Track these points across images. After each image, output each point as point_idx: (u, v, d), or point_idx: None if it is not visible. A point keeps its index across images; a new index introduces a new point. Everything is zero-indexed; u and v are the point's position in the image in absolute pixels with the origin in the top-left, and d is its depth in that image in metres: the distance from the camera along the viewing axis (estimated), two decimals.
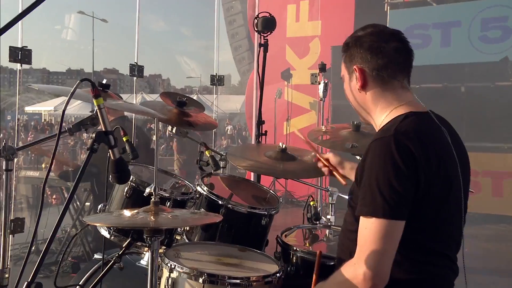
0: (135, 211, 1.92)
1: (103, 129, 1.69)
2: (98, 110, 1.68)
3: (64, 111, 1.58)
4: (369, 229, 1.57)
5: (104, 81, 2.16)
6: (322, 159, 2.47)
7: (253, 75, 11.31)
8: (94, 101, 1.66)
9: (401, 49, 1.80)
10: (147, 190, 2.34)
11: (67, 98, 1.63)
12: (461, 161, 1.75)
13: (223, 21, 17.31)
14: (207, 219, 2.16)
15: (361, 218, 1.62)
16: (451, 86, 8.91)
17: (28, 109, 30.36)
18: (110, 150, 1.70)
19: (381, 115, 1.81)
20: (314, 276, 1.99)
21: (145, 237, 1.90)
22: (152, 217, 1.89)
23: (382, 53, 1.77)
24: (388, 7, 9.60)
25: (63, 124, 1.76)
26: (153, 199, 1.94)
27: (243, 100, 16.25)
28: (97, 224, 1.80)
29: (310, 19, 10.36)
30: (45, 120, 28.23)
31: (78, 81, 1.64)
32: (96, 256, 2.85)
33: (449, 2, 9.57)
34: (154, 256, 1.90)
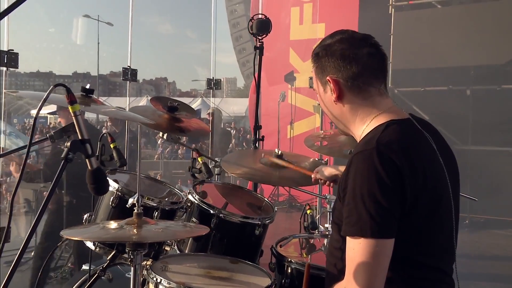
0: (116, 224, 1.82)
1: (79, 137, 1.59)
2: (74, 118, 1.58)
3: (36, 118, 1.48)
4: (357, 250, 1.46)
5: (88, 86, 2.06)
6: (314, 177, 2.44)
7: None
8: (70, 107, 1.56)
9: (374, 54, 1.68)
10: (130, 200, 2.23)
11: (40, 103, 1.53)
12: (448, 167, 1.65)
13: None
14: (193, 232, 2.06)
15: (348, 239, 1.51)
16: (456, 89, 8.78)
17: (34, 112, 30.42)
18: (87, 160, 1.60)
19: (361, 125, 1.70)
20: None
21: (127, 251, 1.79)
22: (135, 230, 1.79)
23: (355, 60, 1.65)
24: (393, 9, 9.47)
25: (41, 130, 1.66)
26: (136, 210, 1.84)
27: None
28: (74, 238, 1.70)
29: (313, 22, 10.26)
30: (50, 123, 28.27)
31: (52, 86, 1.54)
32: (84, 267, 2.75)
33: (454, 4, 9.44)
34: (137, 271, 1.79)
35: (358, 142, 1.71)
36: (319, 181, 2.54)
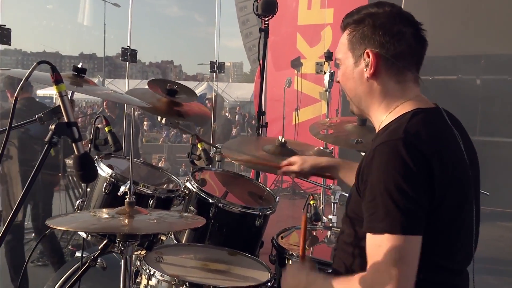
0: (106, 213, 1.70)
1: (65, 120, 1.47)
2: (59, 98, 1.46)
3: (16, 98, 1.36)
4: (384, 247, 1.30)
5: (80, 65, 1.93)
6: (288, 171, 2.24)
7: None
8: (55, 87, 1.44)
9: (420, 37, 1.55)
10: (122, 188, 2.11)
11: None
12: (471, 163, 1.51)
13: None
14: (188, 223, 1.94)
15: (371, 236, 1.36)
16: (466, 78, 8.60)
17: (40, 92, 30.36)
18: (73, 144, 1.48)
19: (385, 111, 1.56)
20: (301, 241, 1.69)
21: (117, 242, 1.68)
22: (126, 220, 1.68)
23: (402, 39, 1.50)
24: None
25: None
26: (127, 199, 1.72)
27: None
28: (60, 228, 1.60)
29: (322, 7, 10.06)
30: (55, 103, 28.21)
31: (35, 63, 1.42)
32: (77, 254, 2.65)
33: None
34: (127, 264, 1.68)
35: (378, 129, 1.57)
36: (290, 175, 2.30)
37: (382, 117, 1.57)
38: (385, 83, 1.54)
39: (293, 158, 2.25)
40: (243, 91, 23.09)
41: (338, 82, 1.69)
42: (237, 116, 21.08)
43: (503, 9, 8.25)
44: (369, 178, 1.38)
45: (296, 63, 9.93)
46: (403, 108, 1.52)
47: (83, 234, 2.24)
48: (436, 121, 1.49)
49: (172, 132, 18.92)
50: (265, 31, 3.07)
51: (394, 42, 1.50)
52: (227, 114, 18.67)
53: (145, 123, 20.68)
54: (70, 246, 5.69)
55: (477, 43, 8.23)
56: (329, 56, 5.08)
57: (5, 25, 2.95)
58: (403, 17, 1.53)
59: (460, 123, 1.59)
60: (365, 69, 1.53)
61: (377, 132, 1.58)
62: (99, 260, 2.22)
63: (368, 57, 1.52)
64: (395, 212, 1.30)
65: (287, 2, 10.15)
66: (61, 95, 1.46)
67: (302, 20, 10.38)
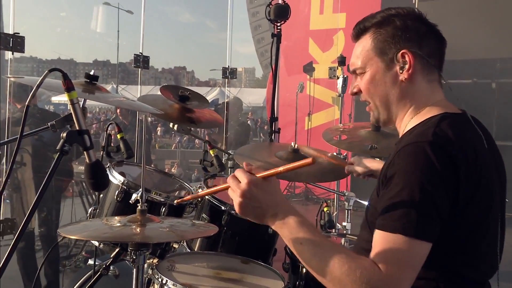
0: (118, 221, 1.69)
1: (77, 128, 1.46)
2: (71, 106, 1.45)
3: (27, 106, 1.35)
4: (396, 246, 1.26)
5: (92, 72, 1.92)
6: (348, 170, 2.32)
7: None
8: (66, 95, 1.43)
9: (441, 37, 1.54)
10: (134, 196, 2.10)
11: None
12: (498, 169, 1.48)
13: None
14: (200, 232, 1.92)
15: (380, 232, 1.31)
16: (481, 82, 8.50)
17: (55, 99, 30.67)
18: (85, 153, 1.47)
19: (412, 114, 1.52)
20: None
21: (129, 251, 1.67)
22: (138, 228, 1.66)
23: (431, 38, 1.49)
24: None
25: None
26: (139, 207, 1.70)
27: None
28: (72, 237, 1.58)
29: (334, 11, 10.04)
30: (69, 110, 28.41)
31: (47, 71, 1.41)
32: (90, 262, 2.64)
33: None
34: (139, 272, 1.66)
35: (402, 133, 1.53)
36: (353, 174, 2.34)
37: (406, 120, 1.54)
38: (419, 83, 1.51)
39: (352, 159, 2.34)
40: (256, 97, 23.11)
41: (355, 94, 1.63)
42: (249, 121, 21.10)
43: None
44: (392, 178, 1.34)
45: (309, 68, 9.90)
46: (429, 112, 1.49)
47: (96, 242, 2.23)
48: (464, 127, 1.45)
49: (185, 138, 18.98)
50: (277, 36, 3.05)
51: (427, 40, 1.49)
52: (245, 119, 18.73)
53: (158, 128, 20.80)
54: (84, 253, 5.71)
55: (492, 47, 8.14)
56: (342, 60, 5.02)
57: (18, 33, 2.97)
58: (422, 18, 1.52)
59: (487, 130, 1.55)
60: (400, 71, 1.49)
61: (400, 136, 1.55)
62: (111, 268, 2.21)
63: (403, 58, 1.48)
64: (413, 215, 1.27)
65: (299, 7, 10.14)
66: (72, 103, 1.45)
67: (314, 25, 10.37)
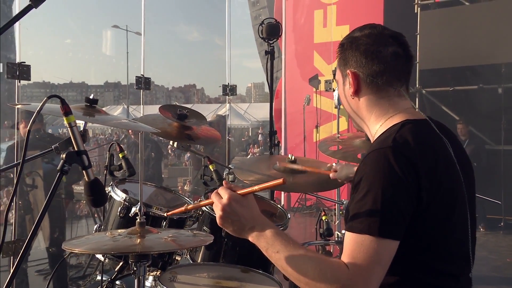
0: (118, 234, 1.79)
1: (75, 149, 1.57)
2: (69, 129, 1.56)
3: (29, 130, 1.47)
4: (365, 246, 1.37)
5: (91, 96, 2.04)
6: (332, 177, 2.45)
7: (281, 83, 11.22)
8: (65, 119, 1.54)
9: (400, 55, 1.63)
10: (133, 210, 2.21)
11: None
12: (464, 171, 1.57)
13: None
14: (197, 241, 2.01)
15: (349, 233, 1.43)
16: (488, 87, 8.52)
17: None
18: (84, 172, 1.58)
19: (376, 123, 1.66)
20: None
21: (130, 262, 1.76)
22: (137, 240, 1.76)
23: (378, 58, 1.61)
24: (419, 9, 9.27)
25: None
26: (138, 219, 1.81)
27: None
28: (75, 251, 1.68)
29: (338, 24, 10.16)
30: (80, 131, 28.72)
31: (45, 98, 1.53)
32: (98, 277, 2.74)
33: (482, 0, 9.17)
34: (140, 284, 1.76)
35: (372, 141, 1.66)
36: (338, 180, 2.49)
37: (373, 130, 1.67)
38: (368, 99, 1.66)
39: (335, 167, 2.51)
40: (265, 111, 23.17)
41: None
42: (260, 136, 21.20)
43: None
44: (360, 183, 1.46)
45: (314, 81, 10.00)
46: (392, 121, 1.60)
47: (101, 257, 2.33)
48: (424, 131, 1.56)
49: (187, 155, 19.04)
50: (270, 53, 3.17)
51: (369, 62, 1.61)
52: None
53: (169, 146, 20.92)
54: (98, 272, 5.80)
55: (496, 52, 8.17)
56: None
57: (24, 62, 3.12)
58: (382, 37, 1.64)
59: (452, 132, 1.67)
60: (349, 88, 1.67)
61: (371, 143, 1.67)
62: (118, 283, 2.31)
63: (349, 76, 1.66)
64: (377, 214, 1.38)
65: (303, 22, 10.29)
66: (70, 126, 1.56)
67: (318, 38, 10.49)
